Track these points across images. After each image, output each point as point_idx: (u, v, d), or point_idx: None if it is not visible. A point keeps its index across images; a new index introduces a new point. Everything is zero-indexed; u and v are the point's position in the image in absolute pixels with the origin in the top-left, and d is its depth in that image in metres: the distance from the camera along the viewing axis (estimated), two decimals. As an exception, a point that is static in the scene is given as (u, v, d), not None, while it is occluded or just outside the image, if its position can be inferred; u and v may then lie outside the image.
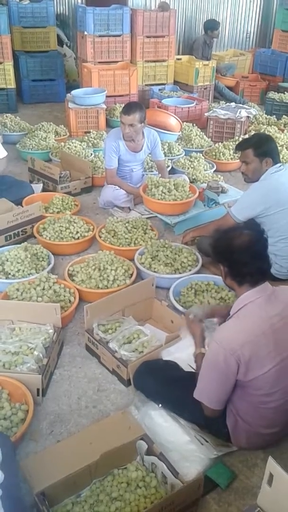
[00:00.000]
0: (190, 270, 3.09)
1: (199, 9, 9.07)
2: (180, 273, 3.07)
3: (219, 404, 1.91)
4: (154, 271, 3.04)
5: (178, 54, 8.39)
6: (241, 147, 3.08)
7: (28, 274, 2.98)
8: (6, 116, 5.79)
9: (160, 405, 2.16)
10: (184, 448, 1.99)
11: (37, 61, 7.08)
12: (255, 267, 1.90)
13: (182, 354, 2.32)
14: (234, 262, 1.94)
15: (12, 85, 6.60)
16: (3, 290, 2.82)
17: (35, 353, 2.30)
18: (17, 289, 2.75)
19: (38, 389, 2.21)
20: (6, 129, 5.55)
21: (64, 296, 2.79)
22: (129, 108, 3.80)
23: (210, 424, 2.03)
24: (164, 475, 1.81)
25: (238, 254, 1.92)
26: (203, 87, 7.23)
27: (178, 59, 7.56)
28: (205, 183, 4.26)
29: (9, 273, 2.99)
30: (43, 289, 2.76)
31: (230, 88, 7.72)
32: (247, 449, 2.03)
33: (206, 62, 7.21)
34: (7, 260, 3.03)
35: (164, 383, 2.16)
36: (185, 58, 7.73)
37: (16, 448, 1.94)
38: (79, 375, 2.45)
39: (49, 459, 1.85)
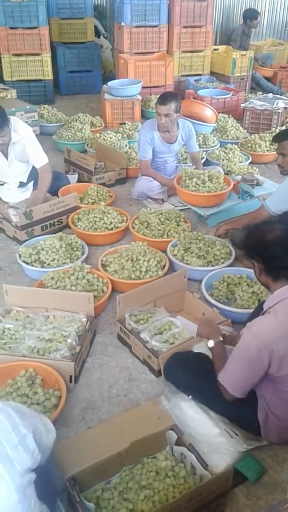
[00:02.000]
0: (222, 263, 3.07)
1: (237, -1, 8.92)
2: (212, 265, 3.06)
3: (241, 393, 1.91)
4: (187, 263, 3.04)
5: (216, 44, 8.27)
6: (278, 138, 3.03)
7: (63, 263, 3.03)
8: (44, 107, 5.87)
9: (190, 396, 2.16)
10: (213, 440, 1.99)
11: (74, 53, 7.12)
12: None
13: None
14: (268, 258, 1.92)
15: (49, 76, 6.66)
16: (38, 279, 2.88)
17: (69, 340, 2.34)
18: (52, 278, 2.80)
19: (70, 376, 2.25)
20: (43, 120, 5.62)
21: (97, 285, 2.83)
22: (164, 98, 3.78)
23: (241, 417, 2.02)
24: (193, 466, 1.82)
25: (271, 249, 1.90)
26: (240, 77, 7.12)
27: (215, 49, 7.46)
28: (240, 175, 4.21)
29: (45, 262, 3.04)
30: (77, 278, 2.80)
31: (267, 79, 7.56)
32: (278, 444, 2.02)
33: (244, 52, 7.08)
34: (42, 249, 3.09)
35: (195, 375, 2.16)
36: (222, 48, 7.62)
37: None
38: (110, 364, 2.48)
39: (80, 445, 1.89)
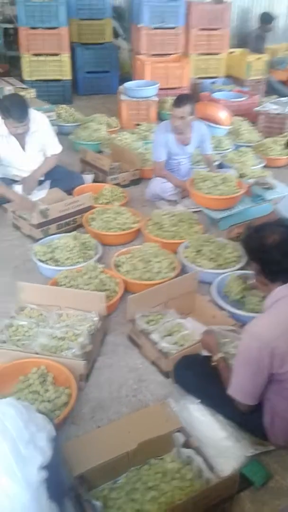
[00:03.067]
0: (234, 266, 3.08)
1: (254, 2, 8.88)
2: (223, 268, 3.06)
3: (253, 399, 1.91)
4: (198, 266, 3.05)
5: (232, 47, 8.26)
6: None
7: (76, 263, 3.06)
8: (61, 107, 5.91)
9: (199, 400, 2.17)
10: (220, 444, 2.00)
11: (92, 53, 7.16)
12: None
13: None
14: (266, 261, 1.94)
15: (68, 76, 6.71)
16: (52, 277, 2.91)
17: (80, 339, 2.37)
18: (66, 277, 2.83)
19: (81, 375, 2.28)
20: (60, 120, 5.67)
21: (110, 285, 2.85)
22: (180, 101, 3.80)
23: (247, 422, 2.03)
24: (199, 468, 1.84)
25: (269, 253, 1.91)
26: (255, 80, 7.11)
27: (231, 52, 7.45)
28: (253, 178, 4.21)
29: (59, 261, 3.08)
30: (90, 277, 2.83)
31: (283, 83, 7.54)
32: (285, 449, 2.02)
33: (259, 56, 7.07)
34: (57, 248, 3.13)
35: (203, 378, 2.17)
36: (238, 51, 7.61)
37: (58, 431, 2.01)
38: (120, 364, 2.50)
39: (89, 444, 1.91)
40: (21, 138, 3.73)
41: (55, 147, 3.96)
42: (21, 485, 1.12)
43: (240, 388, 1.91)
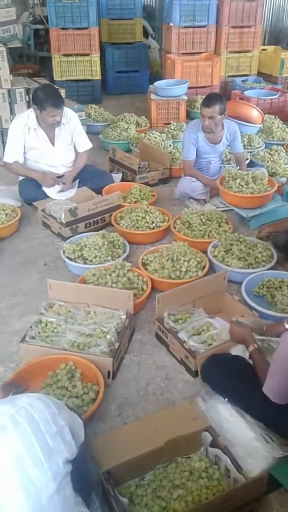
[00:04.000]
0: (264, 266, 3.03)
1: (287, -2, 8.76)
2: (253, 268, 3.03)
3: (285, 400, 1.88)
4: (227, 265, 3.02)
5: (264, 44, 8.16)
6: None
7: (104, 261, 3.08)
8: (91, 107, 5.96)
9: (226, 399, 2.15)
10: (249, 445, 1.97)
11: (122, 53, 7.20)
12: None
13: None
14: None
15: (98, 76, 6.75)
16: (81, 275, 2.94)
17: (108, 336, 2.38)
18: (94, 274, 2.85)
19: (109, 372, 2.29)
20: (90, 119, 5.71)
21: (137, 284, 2.85)
22: (209, 101, 3.77)
23: (277, 423, 1.99)
24: (227, 468, 1.82)
25: None
26: (289, 78, 6.99)
27: (264, 49, 7.35)
28: (285, 177, 4.14)
29: (87, 259, 3.10)
30: (118, 275, 2.84)
31: None
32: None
33: (293, 52, 6.96)
34: (85, 246, 3.15)
35: (232, 378, 2.14)
36: (270, 48, 7.50)
37: (85, 427, 2.03)
38: (148, 362, 2.50)
39: (116, 440, 1.92)
40: (51, 132, 3.78)
41: (86, 143, 4.02)
42: (47, 476, 1.14)
43: (273, 388, 1.89)
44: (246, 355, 2.23)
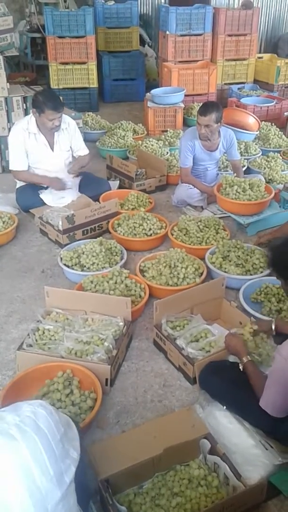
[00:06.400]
0: (261, 272, 3.04)
1: (284, 7, 8.82)
2: (251, 274, 3.03)
3: (284, 413, 1.88)
4: (225, 271, 3.02)
5: (260, 52, 8.23)
6: None
7: (102, 268, 3.07)
8: (88, 115, 5.99)
9: (224, 406, 2.15)
10: (248, 452, 1.96)
11: (119, 61, 7.24)
12: None
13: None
14: None
15: (95, 84, 6.79)
16: (78, 282, 2.93)
17: (106, 344, 2.37)
18: (91, 282, 2.84)
19: (106, 379, 2.28)
20: (87, 127, 5.73)
21: (135, 290, 2.85)
22: (205, 109, 3.78)
23: (276, 430, 1.99)
24: (226, 476, 1.81)
25: None
26: (284, 85, 7.05)
27: (260, 57, 7.41)
28: (282, 183, 4.16)
29: (85, 266, 3.10)
30: (115, 282, 2.84)
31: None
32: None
33: (288, 60, 7.01)
34: (83, 253, 3.15)
35: (230, 385, 2.14)
36: (266, 56, 7.57)
37: (83, 435, 2.02)
38: (146, 369, 2.49)
39: (114, 448, 1.90)
40: (50, 137, 3.80)
41: (83, 149, 4.07)
42: (53, 483, 1.14)
43: (272, 402, 1.88)
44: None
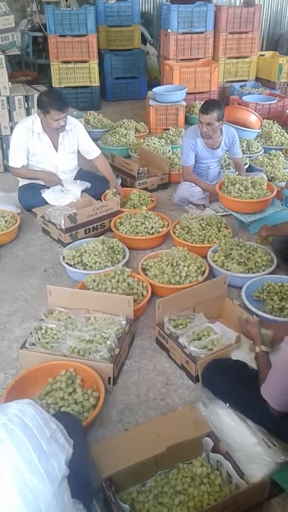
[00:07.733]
0: (264, 270, 3.03)
1: (285, 4, 8.80)
2: (253, 272, 3.02)
3: (283, 407, 1.87)
4: (227, 270, 3.02)
5: (262, 49, 8.20)
6: None
7: (104, 266, 3.08)
8: (90, 113, 5.98)
9: (227, 404, 2.15)
10: (250, 450, 1.96)
11: (120, 59, 7.22)
12: None
13: (252, 354, 2.29)
14: None
15: (96, 83, 6.78)
16: (80, 280, 2.94)
17: (108, 342, 2.38)
18: (94, 280, 2.85)
19: (109, 378, 2.28)
20: (89, 125, 5.73)
21: (137, 289, 2.85)
22: (207, 107, 3.77)
23: (279, 428, 1.98)
24: (229, 474, 1.81)
25: None
26: (286, 83, 7.03)
27: (261, 55, 7.39)
28: (284, 181, 4.15)
29: (87, 264, 3.10)
30: (118, 281, 2.84)
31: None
32: None
33: (291, 58, 6.99)
34: (85, 252, 3.15)
35: (233, 383, 2.14)
36: (268, 54, 7.55)
37: (86, 433, 2.02)
38: (148, 367, 2.50)
39: (117, 446, 1.91)
40: (55, 137, 3.79)
41: (94, 149, 4.06)
42: (44, 481, 1.13)
43: (273, 393, 1.88)
44: (247, 359, 2.23)
